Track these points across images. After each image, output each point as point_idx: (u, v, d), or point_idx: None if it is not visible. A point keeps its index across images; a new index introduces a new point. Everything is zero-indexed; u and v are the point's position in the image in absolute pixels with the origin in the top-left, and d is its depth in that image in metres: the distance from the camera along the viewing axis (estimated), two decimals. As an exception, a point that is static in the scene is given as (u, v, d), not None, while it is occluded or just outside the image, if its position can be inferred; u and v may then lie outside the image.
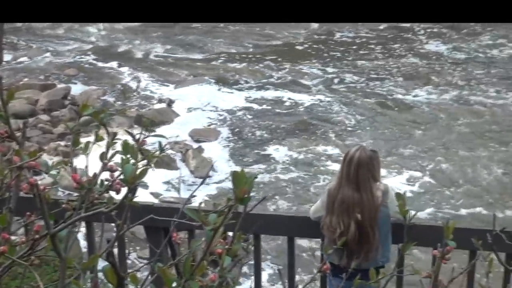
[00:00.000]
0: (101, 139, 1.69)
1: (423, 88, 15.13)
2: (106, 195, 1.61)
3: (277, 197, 10.61)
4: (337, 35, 19.93)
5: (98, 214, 1.57)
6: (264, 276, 7.86)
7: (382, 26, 20.18)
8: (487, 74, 15.96)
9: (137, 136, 1.64)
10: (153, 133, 1.74)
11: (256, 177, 1.36)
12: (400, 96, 14.67)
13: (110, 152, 1.67)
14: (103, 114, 1.61)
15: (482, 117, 13.34)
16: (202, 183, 1.99)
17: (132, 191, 1.50)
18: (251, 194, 1.42)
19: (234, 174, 1.33)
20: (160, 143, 1.74)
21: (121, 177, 1.49)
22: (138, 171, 1.46)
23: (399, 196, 1.73)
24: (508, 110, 13.71)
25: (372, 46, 18.66)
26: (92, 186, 1.55)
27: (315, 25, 20.57)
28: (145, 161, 1.62)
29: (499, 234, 2.31)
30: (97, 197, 1.58)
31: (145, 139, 1.75)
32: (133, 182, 1.44)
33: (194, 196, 1.96)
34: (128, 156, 1.49)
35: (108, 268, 1.38)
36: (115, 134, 1.64)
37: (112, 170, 1.60)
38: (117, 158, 1.58)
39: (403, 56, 17.66)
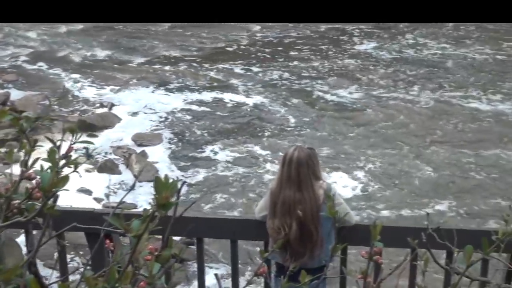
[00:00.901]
0: (25, 146, 1.64)
1: (353, 88, 15.42)
2: (30, 203, 1.57)
3: (218, 196, 10.59)
4: (279, 37, 20.08)
5: (25, 223, 1.53)
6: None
7: (324, 27, 20.44)
8: (412, 73, 16.39)
9: (59, 143, 1.60)
10: (80, 140, 1.70)
11: (179, 181, 1.34)
12: (335, 97, 14.89)
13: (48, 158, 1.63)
14: (24, 121, 1.56)
15: (410, 116, 13.62)
16: (131, 189, 1.96)
17: (51, 199, 1.46)
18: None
19: (156, 180, 1.31)
20: (87, 149, 1.70)
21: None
22: (58, 178, 1.42)
23: (329, 197, 1.73)
24: (429, 109, 14.02)
25: (312, 47, 18.89)
26: (11, 195, 1.51)
27: (257, 27, 20.72)
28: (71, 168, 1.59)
29: (437, 230, 2.34)
30: (18, 205, 1.53)
31: (73, 145, 1.71)
32: (51, 190, 1.41)
33: (123, 202, 1.92)
34: (49, 163, 1.46)
35: (31, 279, 1.35)
36: (35, 141, 1.59)
37: (30, 178, 1.56)
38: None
39: (339, 57, 17.96)
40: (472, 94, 14.84)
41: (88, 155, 1.67)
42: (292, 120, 13.64)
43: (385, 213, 9.96)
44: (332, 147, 12.16)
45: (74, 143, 1.70)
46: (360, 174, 11.21)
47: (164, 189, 1.29)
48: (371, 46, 18.82)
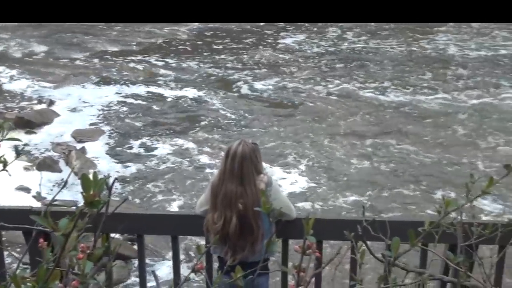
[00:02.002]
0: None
1: (281, 81, 15.76)
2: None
3: (156, 190, 10.54)
4: (218, 31, 20.20)
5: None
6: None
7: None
8: (336, 67, 16.82)
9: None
10: (7, 137, 1.65)
11: (107, 178, 1.31)
12: (266, 91, 15.09)
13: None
14: None
15: (335, 109, 13.90)
16: (63, 187, 1.92)
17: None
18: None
19: (82, 178, 1.28)
20: (16, 147, 1.66)
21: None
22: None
23: (262, 192, 1.73)
24: (352, 100, 14.32)
25: (244, 41, 19.16)
26: None
27: (194, 24, 20.83)
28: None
29: (372, 222, 2.36)
30: None
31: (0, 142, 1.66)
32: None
33: (56, 200, 1.89)
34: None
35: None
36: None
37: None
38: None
39: (267, 50, 18.35)
40: (386, 85, 15.28)
41: (18, 153, 1.62)
42: (226, 113, 13.74)
43: (325, 205, 10.04)
44: (266, 141, 12.21)
45: (1, 140, 1.65)
46: (293, 167, 11.26)
47: (91, 186, 1.27)
48: (297, 39, 19.16)
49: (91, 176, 1.30)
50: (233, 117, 13.58)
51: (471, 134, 12.52)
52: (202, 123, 13.25)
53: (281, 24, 20.61)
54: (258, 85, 15.48)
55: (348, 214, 9.57)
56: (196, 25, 20.70)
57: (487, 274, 2.25)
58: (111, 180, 1.46)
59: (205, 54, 17.98)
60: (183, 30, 20.26)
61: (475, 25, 20.38)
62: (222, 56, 17.75)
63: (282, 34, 19.91)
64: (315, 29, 20.28)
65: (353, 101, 14.39)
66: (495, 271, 4.63)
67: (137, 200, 10.16)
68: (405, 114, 13.60)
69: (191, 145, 12.19)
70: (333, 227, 4.03)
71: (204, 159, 11.62)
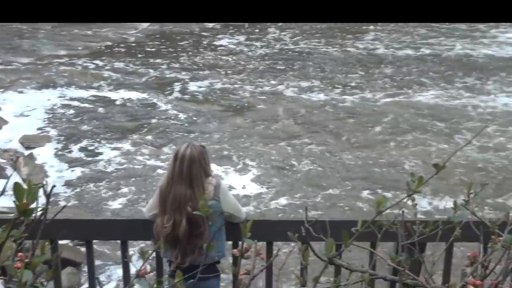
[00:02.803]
0: None
1: (224, 82, 15.95)
2: None
3: (105, 192, 10.45)
4: (168, 33, 20.18)
5: None
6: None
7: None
8: (276, 67, 17.05)
9: None
10: None
11: (42, 186, 1.30)
12: (212, 93, 15.18)
13: None
14: None
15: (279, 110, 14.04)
16: (1, 194, 1.88)
17: None
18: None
19: (15, 187, 1.26)
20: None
21: None
22: None
23: (201, 196, 1.73)
24: (288, 101, 14.52)
25: (187, 44, 19.36)
26: None
27: (144, 25, 20.75)
28: None
29: (314, 223, 2.38)
30: None
31: None
32: None
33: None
34: None
35: None
36: None
37: None
38: None
39: (207, 52, 18.50)
40: (320, 85, 15.54)
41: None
42: (173, 115, 13.77)
43: (270, 207, 10.06)
44: (215, 142, 12.22)
45: None
46: (237, 169, 11.27)
47: (24, 195, 1.25)
48: (238, 41, 19.43)
49: (25, 185, 1.28)
50: (180, 119, 13.57)
51: (396, 132, 12.69)
52: (149, 125, 13.22)
53: (219, 26, 20.81)
54: (202, 87, 15.58)
55: (293, 215, 9.60)
56: (143, 27, 20.65)
57: (429, 272, 2.28)
58: (49, 187, 1.44)
59: (151, 57, 17.94)
60: (130, 33, 20.19)
61: (402, 24, 20.93)
62: (168, 59, 17.75)
63: (220, 35, 20.06)
64: (257, 30, 20.51)
65: (288, 102, 14.56)
66: (443, 269, 4.71)
67: (87, 203, 10.06)
68: (332, 114, 13.75)
69: (137, 147, 12.13)
70: (282, 228, 4.04)
71: (150, 161, 11.57)
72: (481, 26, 21.05)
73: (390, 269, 4.51)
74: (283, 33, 20.30)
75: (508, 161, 11.38)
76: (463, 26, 20.98)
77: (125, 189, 10.59)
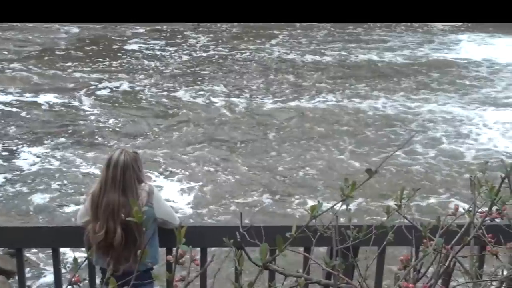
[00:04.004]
0: None
1: (146, 83, 16.07)
2: None
3: (32, 196, 10.27)
4: (97, 38, 20.07)
5: None
6: None
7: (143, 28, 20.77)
8: (201, 72, 17.20)
9: None
10: None
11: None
12: (141, 99, 15.17)
13: None
14: None
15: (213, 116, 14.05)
16: None
17: None
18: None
19: None
20: None
21: None
22: None
23: (134, 202, 1.71)
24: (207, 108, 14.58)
25: (115, 47, 19.30)
26: None
27: (76, 30, 20.57)
28: None
29: (249, 229, 2.38)
30: None
31: None
32: None
33: None
34: None
35: None
36: None
37: None
38: None
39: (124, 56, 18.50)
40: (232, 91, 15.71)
41: None
42: (102, 120, 13.64)
43: (207, 213, 10.04)
44: (151, 148, 12.14)
45: None
46: (168, 176, 11.22)
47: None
48: (157, 46, 19.64)
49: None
50: (103, 122, 13.47)
51: (314, 138, 12.82)
52: (73, 128, 13.06)
53: (145, 30, 20.85)
54: (125, 90, 15.58)
55: (230, 221, 9.59)
56: (75, 32, 20.47)
57: (362, 276, 2.31)
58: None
59: (79, 61, 17.76)
60: (60, 37, 19.96)
61: (308, 28, 21.41)
62: (95, 63, 17.62)
63: (133, 40, 20.12)
64: (179, 36, 20.62)
65: (196, 107, 14.58)
66: (375, 273, 4.77)
67: (11, 209, 9.86)
68: (247, 121, 13.81)
69: (65, 150, 11.98)
70: (216, 234, 4.04)
71: (74, 164, 11.42)
72: (387, 31, 21.64)
73: (325, 273, 4.56)
74: (202, 38, 20.42)
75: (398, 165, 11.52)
76: (374, 33, 21.51)
77: (46, 193, 10.40)
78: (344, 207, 2.09)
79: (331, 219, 2.34)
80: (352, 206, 2.14)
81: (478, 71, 17.40)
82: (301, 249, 4.13)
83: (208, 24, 21.78)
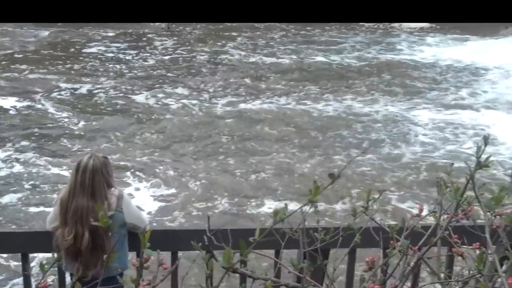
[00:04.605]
0: None
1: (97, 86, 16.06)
2: None
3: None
4: (67, 41, 20.01)
5: None
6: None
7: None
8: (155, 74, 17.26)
9: None
10: None
11: None
12: (105, 102, 15.10)
13: None
14: None
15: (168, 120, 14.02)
16: None
17: None
18: None
19: None
20: None
21: None
22: None
23: (100, 206, 1.70)
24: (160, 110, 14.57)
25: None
26: None
27: (45, 33, 20.47)
28: None
29: (216, 232, 2.38)
30: None
31: None
32: None
33: None
34: None
35: None
36: None
37: None
38: None
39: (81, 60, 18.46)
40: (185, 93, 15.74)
41: None
42: (69, 124, 13.53)
43: (178, 216, 10.01)
44: (113, 153, 12.05)
45: None
46: (140, 180, 11.18)
47: None
48: (121, 49, 19.64)
49: None
50: (69, 126, 13.37)
51: (269, 140, 12.84)
52: (40, 132, 12.95)
53: (114, 34, 20.84)
54: (93, 94, 15.54)
55: (199, 225, 9.53)
56: (44, 35, 20.37)
57: (330, 279, 2.32)
58: None
59: (47, 65, 17.65)
60: (28, 40, 19.85)
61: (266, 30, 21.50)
62: (58, 65, 17.55)
63: (99, 43, 20.10)
64: (144, 38, 20.68)
65: (158, 109, 14.60)
66: (346, 275, 4.79)
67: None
68: (204, 124, 13.77)
69: (31, 154, 11.85)
70: (185, 237, 4.03)
71: (40, 168, 11.32)
72: (346, 35, 21.81)
73: (295, 276, 4.57)
74: (167, 41, 20.46)
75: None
76: (331, 34, 21.66)
77: (13, 197, 10.31)
78: (308, 209, 2.11)
79: (299, 222, 2.35)
80: (311, 208, 2.15)
81: (429, 72, 17.50)
82: (272, 251, 4.15)
83: (176, 26, 21.86)
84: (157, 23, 21.80)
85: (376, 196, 2.39)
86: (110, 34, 20.95)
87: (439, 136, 13.15)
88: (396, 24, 23.15)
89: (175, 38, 20.87)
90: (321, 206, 9.81)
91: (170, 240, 4.59)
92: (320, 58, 18.81)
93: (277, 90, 15.89)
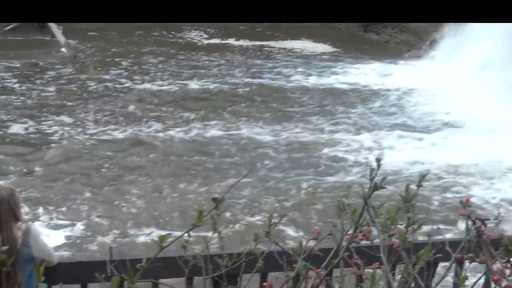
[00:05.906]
0: None
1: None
2: None
3: None
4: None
5: None
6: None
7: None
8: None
9: None
10: None
11: None
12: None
13: None
14: None
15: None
16: None
17: None
18: None
19: None
20: None
21: None
22: None
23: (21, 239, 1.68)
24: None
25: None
26: None
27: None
28: None
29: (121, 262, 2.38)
30: None
31: None
32: None
33: None
34: None
35: None
36: None
37: None
38: None
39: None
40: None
41: None
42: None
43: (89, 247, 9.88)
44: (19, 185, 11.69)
45: None
46: (46, 213, 10.96)
47: None
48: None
49: None
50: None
51: (140, 169, 12.69)
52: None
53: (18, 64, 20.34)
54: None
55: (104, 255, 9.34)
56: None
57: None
58: None
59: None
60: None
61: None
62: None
63: None
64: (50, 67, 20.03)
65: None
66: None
67: None
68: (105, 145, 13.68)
69: None
70: (91, 269, 3.99)
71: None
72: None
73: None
74: (67, 69, 19.73)
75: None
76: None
77: None
78: (212, 234, 2.13)
79: (203, 249, 2.37)
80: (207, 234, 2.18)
81: (303, 97, 17.31)
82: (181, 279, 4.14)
83: (83, 54, 21.06)
84: (64, 52, 20.96)
85: (276, 221, 2.43)
86: (17, 65, 20.09)
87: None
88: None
89: (77, 64, 19.86)
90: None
91: (78, 272, 4.51)
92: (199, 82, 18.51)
93: (151, 117, 15.59)
